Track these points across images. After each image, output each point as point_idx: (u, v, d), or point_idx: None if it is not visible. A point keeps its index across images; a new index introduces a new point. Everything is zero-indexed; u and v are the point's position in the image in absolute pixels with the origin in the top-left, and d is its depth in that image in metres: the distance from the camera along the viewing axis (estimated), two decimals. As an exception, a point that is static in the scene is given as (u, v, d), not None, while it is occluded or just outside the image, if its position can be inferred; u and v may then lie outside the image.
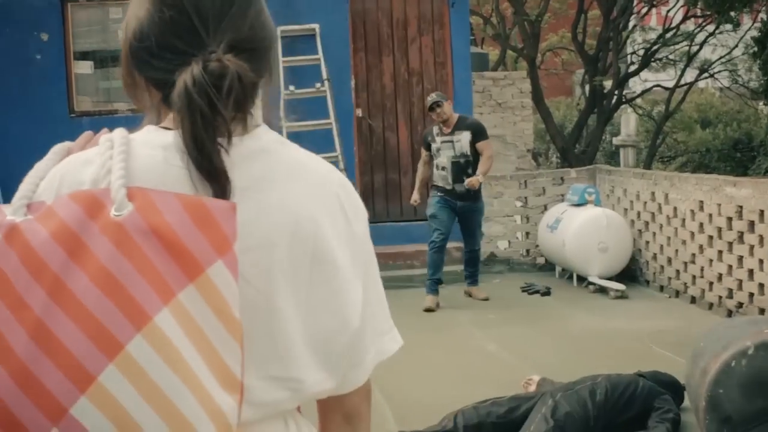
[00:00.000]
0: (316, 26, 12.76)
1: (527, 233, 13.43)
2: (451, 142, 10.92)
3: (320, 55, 12.59)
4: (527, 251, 13.44)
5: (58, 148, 1.70)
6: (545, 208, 13.19)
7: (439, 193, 11.05)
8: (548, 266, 13.07)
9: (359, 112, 13.24)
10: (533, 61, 20.21)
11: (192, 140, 1.52)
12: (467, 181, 10.71)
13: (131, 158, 1.57)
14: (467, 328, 9.69)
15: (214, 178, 1.53)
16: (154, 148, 1.59)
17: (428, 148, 11.18)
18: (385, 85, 13.31)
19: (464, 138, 10.88)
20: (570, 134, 20.70)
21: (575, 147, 19.88)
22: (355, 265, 1.69)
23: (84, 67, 12.90)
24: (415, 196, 11.26)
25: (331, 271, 1.65)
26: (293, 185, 1.64)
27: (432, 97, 10.92)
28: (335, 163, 12.16)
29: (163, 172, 1.57)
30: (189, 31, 1.61)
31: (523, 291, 11.72)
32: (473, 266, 11.48)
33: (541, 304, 11.06)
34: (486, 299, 11.18)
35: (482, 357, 8.60)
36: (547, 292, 11.48)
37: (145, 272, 1.42)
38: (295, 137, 11.96)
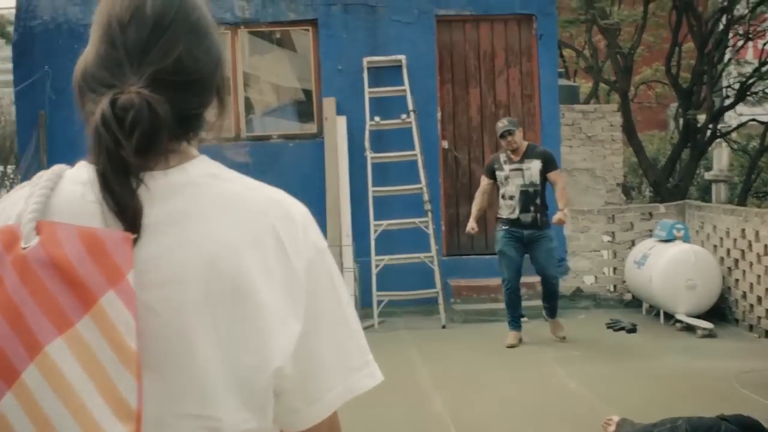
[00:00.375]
0: (402, 57, 12.75)
1: (614, 269, 13.22)
2: (521, 170, 10.44)
3: (406, 86, 12.56)
4: (614, 287, 13.23)
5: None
6: (633, 243, 12.95)
7: (504, 226, 10.60)
8: (635, 303, 12.80)
9: (445, 143, 13.17)
10: (626, 94, 20.00)
11: (99, 176, 1.54)
12: (555, 218, 10.33)
13: (55, 193, 1.61)
14: (549, 365, 9.53)
15: (123, 213, 1.53)
16: (75, 184, 1.61)
17: (492, 176, 10.68)
18: (471, 117, 13.23)
19: (534, 167, 10.41)
20: (663, 168, 20.43)
21: (668, 181, 19.62)
22: (290, 302, 1.63)
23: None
24: (472, 224, 10.74)
25: (252, 308, 1.58)
26: (216, 219, 1.60)
27: (504, 124, 10.44)
28: (419, 195, 12.12)
29: (79, 207, 1.58)
30: (118, 64, 1.61)
31: (608, 327, 11.51)
32: (550, 300, 10.88)
33: (626, 342, 10.82)
34: (563, 338, 10.70)
35: (562, 395, 8.44)
36: (632, 329, 11.25)
37: (42, 302, 1.45)
38: (380, 168, 12.06)
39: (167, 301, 1.55)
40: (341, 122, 12.69)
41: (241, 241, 1.60)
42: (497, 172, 10.57)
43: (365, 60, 12.73)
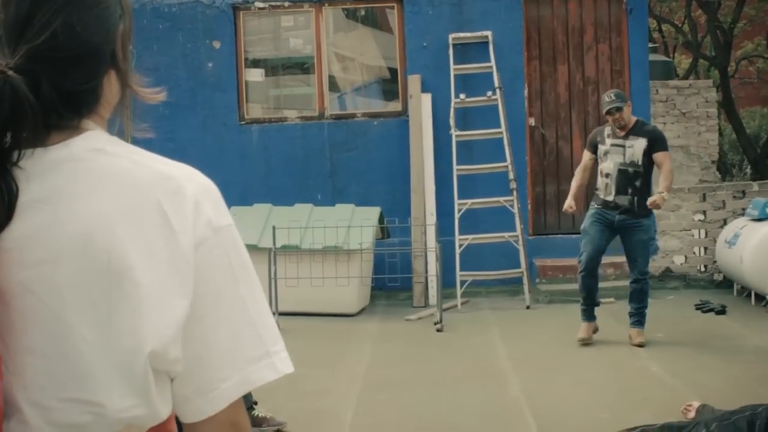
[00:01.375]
0: (488, 33, 12.58)
1: (705, 248, 12.93)
2: (623, 147, 9.47)
3: (493, 63, 12.41)
4: (705, 267, 12.93)
5: None
6: (725, 222, 12.65)
7: (596, 205, 9.63)
8: (726, 283, 12.50)
9: (532, 121, 12.98)
10: (725, 69, 19.57)
11: None
12: (650, 201, 9.22)
13: None
14: (632, 348, 9.32)
15: None
16: None
17: (594, 150, 9.79)
18: (559, 94, 13.01)
19: (638, 145, 9.40)
20: (765, 145, 19.95)
21: (768, 158, 19.18)
22: (175, 281, 1.54)
23: (255, 75, 13.06)
24: (570, 202, 9.79)
25: (129, 287, 1.51)
26: (93, 196, 1.54)
27: (611, 99, 9.49)
28: (504, 174, 11.97)
29: None
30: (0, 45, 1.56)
31: (697, 309, 11.24)
32: (638, 301, 9.61)
33: (714, 324, 10.55)
34: (641, 345, 9.36)
35: (643, 378, 8.25)
36: (722, 311, 10.97)
37: None
38: (465, 146, 11.95)
39: (42, 280, 1.50)
40: (426, 100, 12.57)
41: (116, 216, 1.53)
42: (599, 146, 9.70)
43: (451, 36, 12.59)
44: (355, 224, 11.20)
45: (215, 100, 12.73)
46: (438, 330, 10.33)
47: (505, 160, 12.13)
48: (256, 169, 12.67)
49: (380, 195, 12.41)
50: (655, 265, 12.61)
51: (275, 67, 13.28)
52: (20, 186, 1.51)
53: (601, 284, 11.63)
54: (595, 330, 9.68)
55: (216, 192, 1.66)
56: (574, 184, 9.97)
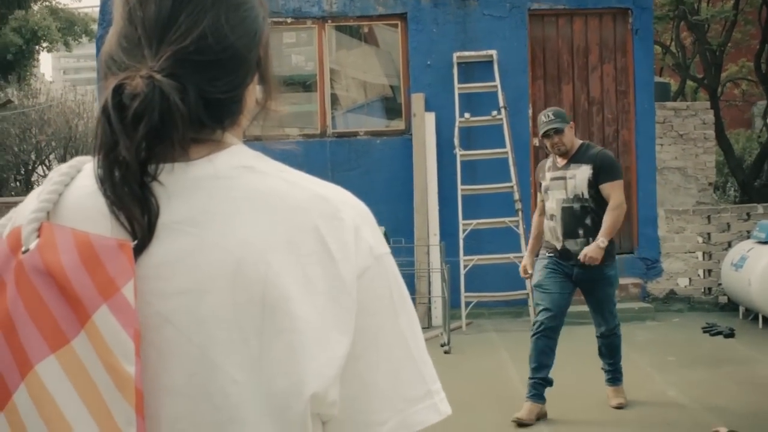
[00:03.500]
0: (493, 52, 12.50)
1: (709, 271, 12.85)
2: (563, 179, 7.81)
3: (497, 82, 12.32)
4: (708, 290, 12.87)
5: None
6: (729, 244, 12.61)
7: (548, 253, 7.96)
8: (731, 306, 12.46)
9: (536, 141, 12.87)
10: (714, 91, 19.60)
11: (96, 172, 1.38)
12: (582, 254, 7.56)
13: (69, 190, 1.44)
14: (645, 371, 9.23)
15: (125, 213, 1.35)
16: (90, 178, 1.42)
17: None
18: (563, 114, 12.93)
19: (581, 174, 7.74)
20: (750, 168, 20.00)
21: (756, 181, 19.19)
22: (336, 317, 1.38)
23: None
24: (525, 264, 8.29)
25: (285, 322, 1.34)
26: (243, 219, 1.38)
27: (548, 118, 7.84)
28: (509, 194, 11.89)
29: (90, 205, 1.40)
30: (135, 44, 1.43)
31: (705, 332, 11.17)
32: (610, 356, 8.11)
33: (724, 347, 10.47)
34: (620, 407, 7.94)
35: (662, 403, 8.15)
36: (730, 334, 10.90)
37: (37, 315, 1.30)
38: (470, 166, 11.86)
39: (186, 312, 1.34)
40: (430, 119, 12.47)
41: (271, 243, 1.37)
42: (541, 182, 8.13)
43: (455, 55, 12.51)
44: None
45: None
46: (445, 352, 10.21)
47: (510, 180, 12.04)
48: (256, 187, 12.48)
49: (383, 215, 12.20)
50: (659, 287, 12.58)
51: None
52: (161, 204, 1.35)
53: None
54: (541, 416, 7.74)
55: (372, 217, 1.51)
56: (532, 235, 8.39)
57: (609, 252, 7.70)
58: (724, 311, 12.49)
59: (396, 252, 9.92)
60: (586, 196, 7.70)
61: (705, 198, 15.59)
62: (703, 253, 12.90)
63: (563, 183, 7.78)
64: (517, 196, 11.97)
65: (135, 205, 1.33)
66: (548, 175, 7.93)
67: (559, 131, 7.73)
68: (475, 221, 11.88)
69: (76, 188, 1.43)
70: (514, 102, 12.49)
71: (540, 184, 8.12)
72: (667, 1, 19.76)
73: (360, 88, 13.31)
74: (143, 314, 1.32)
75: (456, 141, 12.22)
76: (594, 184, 7.68)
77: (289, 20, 12.76)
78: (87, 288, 1.28)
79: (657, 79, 17.95)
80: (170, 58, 1.37)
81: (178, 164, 1.38)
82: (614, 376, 8.15)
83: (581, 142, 7.99)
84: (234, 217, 1.38)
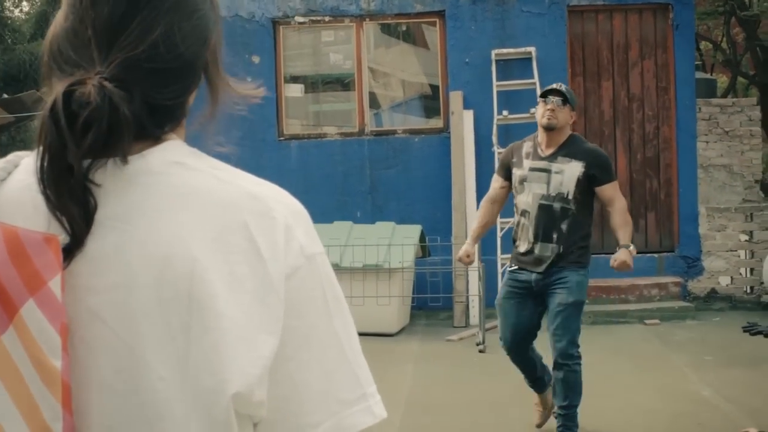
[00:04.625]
0: (532, 49, 12.42)
1: (751, 269, 12.68)
2: (547, 171, 6.65)
3: (536, 79, 12.23)
4: (751, 288, 12.71)
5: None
6: (772, 243, 12.43)
7: (510, 267, 6.98)
8: (774, 305, 12.26)
9: (575, 138, 12.79)
10: (765, 87, 19.34)
11: (38, 172, 1.33)
12: (615, 260, 6.63)
13: (5, 184, 1.43)
14: (681, 370, 9.11)
15: (64, 212, 1.32)
16: (27, 174, 1.40)
17: (507, 174, 6.99)
18: (603, 111, 12.81)
19: (570, 170, 6.60)
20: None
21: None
22: (263, 316, 1.35)
23: (294, 91, 12.94)
24: (467, 249, 7.06)
25: (211, 319, 1.32)
26: (172, 215, 1.36)
27: (559, 85, 6.85)
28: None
29: (25, 200, 1.39)
30: (84, 44, 1.39)
31: (745, 331, 11.01)
32: (562, 397, 6.63)
33: (764, 346, 10.30)
34: None
35: (695, 403, 8.03)
36: (771, 333, 10.74)
37: None
38: (507, 163, 11.72)
39: (114, 307, 1.32)
40: (468, 116, 12.42)
41: (199, 239, 1.35)
42: (514, 170, 6.89)
43: (494, 52, 12.45)
44: (396, 242, 11.04)
45: (254, 116, 12.61)
46: (480, 351, 10.17)
47: (548, 178, 11.94)
48: (294, 185, 12.34)
49: (421, 213, 12.26)
50: (700, 285, 12.43)
51: (315, 83, 13.15)
52: (98, 201, 1.34)
53: (644, 305, 11.49)
54: (549, 407, 7.22)
55: (307, 216, 1.49)
56: (476, 223, 7.31)
57: (582, 255, 6.71)
58: (766, 310, 12.30)
59: (432, 250, 9.84)
60: (571, 196, 6.57)
61: (751, 196, 15.38)
62: (746, 251, 12.72)
63: (546, 176, 6.63)
64: (555, 194, 11.86)
65: (74, 203, 1.32)
66: (527, 163, 6.75)
67: (563, 99, 6.66)
68: (512, 219, 11.78)
69: (12, 182, 1.43)
70: (553, 99, 12.36)
71: (507, 168, 6.96)
72: (716, -5, 19.59)
73: (398, 86, 13.29)
74: (74, 310, 1.32)
75: (494, 139, 12.17)
76: (583, 184, 6.57)
77: (327, 18, 12.76)
78: (14, 282, 1.27)
79: (702, 75, 17.77)
80: (120, 65, 1.36)
81: (111, 160, 1.36)
82: (565, 425, 6.65)
83: (571, 133, 6.86)
84: (163, 212, 1.36)
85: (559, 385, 6.59)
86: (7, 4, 30.66)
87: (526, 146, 6.83)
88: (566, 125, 6.70)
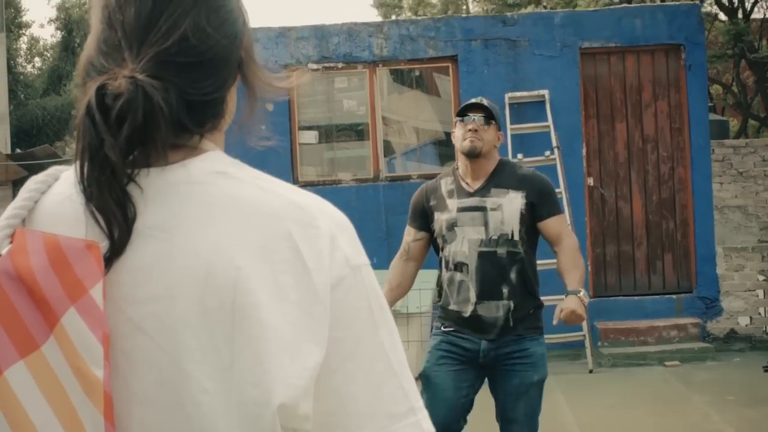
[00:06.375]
0: (545, 92, 12.42)
1: (771, 309, 12.58)
2: (482, 210, 5.27)
3: (550, 122, 12.23)
4: (771, 329, 12.60)
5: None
6: (790, 282, 12.35)
7: (444, 327, 5.48)
8: (794, 345, 12.16)
9: (591, 181, 12.76)
10: (777, 129, 19.39)
11: (79, 175, 1.34)
12: (562, 310, 5.21)
13: (46, 197, 1.43)
14: (703, 410, 9.04)
15: (105, 219, 1.32)
16: (68, 185, 1.41)
17: (424, 222, 5.59)
18: (618, 152, 12.78)
19: (510, 204, 5.23)
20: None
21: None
22: (308, 327, 1.33)
23: (308, 137, 12.93)
24: None
25: (255, 330, 1.30)
26: (215, 225, 1.34)
27: (480, 100, 5.47)
28: (564, 234, 11.75)
29: (64, 211, 1.39)
30: (116, 48, 1.40)
31: (766, 371, 10.91)
32: None
33: (786, 387, 10.23)
34: None
35: (720, 442, 7.97)
36: (792, 374, 10.65)
37: (6, 321, 1.27)
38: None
39: (156, 319, 1.31)
40: (483, 160, 12.37)
41: (243, 249, 1.33)
42: (435, 215, 5.45)
43: (507, 96, 12.44)
44: (413, 287, 10.96)
45: (268, 163, 12.58)
46: (500, 394, 10.07)
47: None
48: (310, 232, 12.48)
49: (437, 257, 12.18)
50: (720, 326, 12.34)
51: (329, 130, 13.14)
52: (137, 209, 1.33)
53: (664, 347, 11.41)
54: None
55: (351, 227, 1.47)
56: (386, 286, 5.80)
57: (535, 318, 5.47)
58: (787, 350, 12.23)
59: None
60: (517, 236, 5.21)
61: (766, 236, 15.34)
62: (764, 290, 12.64)
63: (482, 216, 5.25)
64: (571, 237, 11.80)
65: (116, 208, 1.32)
66: (453, 203, 5.35)
67: (488, 117, 5.33)
68: (544, 261, 11.74)
69: (52, 195, 1.43)
70: (567, 142, 12.36)
71: (423, 212, 5.56)
72: (725, 39, 19.62)
73: (412, 132, 13.29)
74: (115, 321, 1.31)
75: (510, 182, 12.13)
76: (527, 219, 5.24)
77: (340, 65, 12.79)
78: (55, 290, 1.27)
79: (715, 116, 17.77)
80: (152, 60, 1.36)
81: (153, 169, 1.36)
82: None
83: (500, 158, 5.53)
84: (206, 222, 1.35)
85: None
86: (20, 59, 30.88)
87: (445, 183, 5.45)
88: (493, 149, 5.38)
